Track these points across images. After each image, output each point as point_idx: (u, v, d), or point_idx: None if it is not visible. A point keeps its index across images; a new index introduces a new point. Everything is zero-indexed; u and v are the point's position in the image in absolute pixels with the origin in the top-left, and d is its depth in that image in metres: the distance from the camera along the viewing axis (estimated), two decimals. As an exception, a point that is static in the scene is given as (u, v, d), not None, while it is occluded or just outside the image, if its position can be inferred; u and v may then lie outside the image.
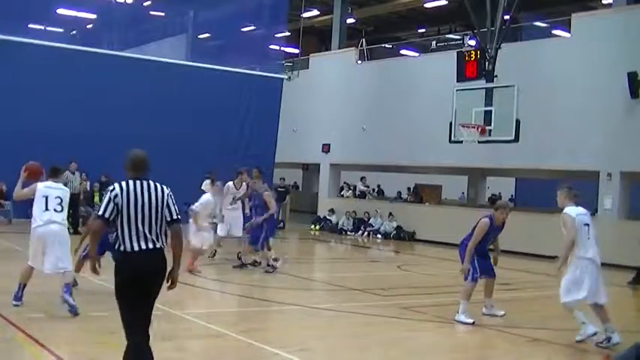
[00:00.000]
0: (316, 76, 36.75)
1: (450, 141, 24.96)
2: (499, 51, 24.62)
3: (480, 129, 23.68)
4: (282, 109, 32.83)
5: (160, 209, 6.99)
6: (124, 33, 33.03)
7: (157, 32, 35.78)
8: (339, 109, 35.66)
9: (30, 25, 29.60)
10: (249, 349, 9.77)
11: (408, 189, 36.64)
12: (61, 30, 32.80)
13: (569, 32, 27.58)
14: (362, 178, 37.41)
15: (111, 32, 32.42)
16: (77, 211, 24.28)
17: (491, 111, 23.71)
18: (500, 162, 28.30)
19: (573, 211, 11.13)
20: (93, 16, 33.99)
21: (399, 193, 36.49)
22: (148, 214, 6.93)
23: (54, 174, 11.70)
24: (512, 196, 42.47)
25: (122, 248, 6.90)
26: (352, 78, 35.80)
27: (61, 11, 31.14)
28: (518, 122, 22.84)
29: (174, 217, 7.07)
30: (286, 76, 34.13)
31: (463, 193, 38.52)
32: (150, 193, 6.98)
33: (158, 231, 6.99)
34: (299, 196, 44.42)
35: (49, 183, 11.46)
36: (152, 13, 35.86)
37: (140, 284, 6.79)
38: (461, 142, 24.77)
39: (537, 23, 33.94)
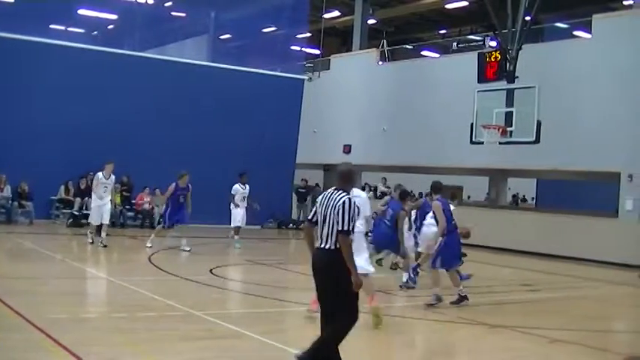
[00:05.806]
0: (337, 77, 36.71)
1: (472, 142, 24.92)
2: (520, 52, 24.43)
3: (501, 130, 23.63)
4: (303, 110, 32.77)
5: (333, 217, 7.94)
6: (145, 34, 33.11)
7: (178, 33, 35.76)
8: (360, 109, 35.61)
9: (51, 26, 29.68)
10: (269, 351, 9.69)
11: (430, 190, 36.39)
12: (82, 30, 32.91)
13: (590, 33, 27.44)
14: (383, 179, 37.31)
15: (132, 33, 32.52)
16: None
17: (512, 112, 23.67)
18: (522, 163, 28.17)
19: None
20: (114, 17, 34.11)
21: (421, 194, 36.19)
22: (324, 219, 8.02)
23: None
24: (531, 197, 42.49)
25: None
26: (373, 79, 35.72)
27: (82, 12, 31.21)
28: (539, 123, 22.75)
29: (339, 227, 7.87)
30: (307, 77, 34.18)
31: (488, 194, 38.28)
32: (330, 202, 8.06)
33: (331, 234, 7.94)
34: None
35: None
36: (173, 13, 35.88)
37: (315, 277, 8.09)
38: (482, 143, 24.69)
39: (558, 24, 33.79)
